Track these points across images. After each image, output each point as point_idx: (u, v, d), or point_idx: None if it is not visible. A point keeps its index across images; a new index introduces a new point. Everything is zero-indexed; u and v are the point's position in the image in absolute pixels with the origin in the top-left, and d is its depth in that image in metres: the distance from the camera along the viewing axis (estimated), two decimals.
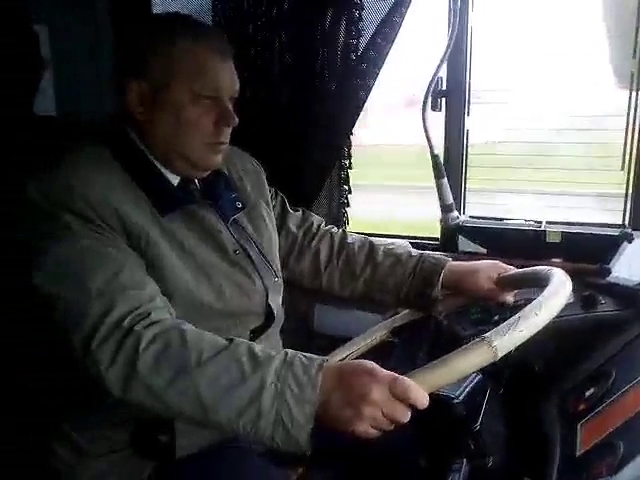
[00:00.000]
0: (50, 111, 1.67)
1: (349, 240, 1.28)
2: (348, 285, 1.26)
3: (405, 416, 0.73)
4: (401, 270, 1.21)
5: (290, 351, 0.78)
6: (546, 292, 0.84)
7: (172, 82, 0.95)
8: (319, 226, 1.31)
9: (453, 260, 1.22)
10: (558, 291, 0.85)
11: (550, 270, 0.96)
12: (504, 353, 0.75)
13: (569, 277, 0.91)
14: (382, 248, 1.25)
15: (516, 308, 1.14)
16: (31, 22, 1.50)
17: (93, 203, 0.89)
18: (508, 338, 0.75)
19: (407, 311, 1.25)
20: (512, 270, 1.15)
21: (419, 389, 0.72)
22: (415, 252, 1.24)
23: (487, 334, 0.75)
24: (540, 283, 0.96)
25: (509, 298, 1.16)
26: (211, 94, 0.97)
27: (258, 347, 0.79)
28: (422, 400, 0.73)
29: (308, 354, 0.78)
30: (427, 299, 1.18)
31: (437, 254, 1.24)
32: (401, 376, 0.73)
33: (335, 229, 1.32)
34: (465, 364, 0.73)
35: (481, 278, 1.15)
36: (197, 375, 0.76)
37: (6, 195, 0.94)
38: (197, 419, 0.78)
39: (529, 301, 0.89)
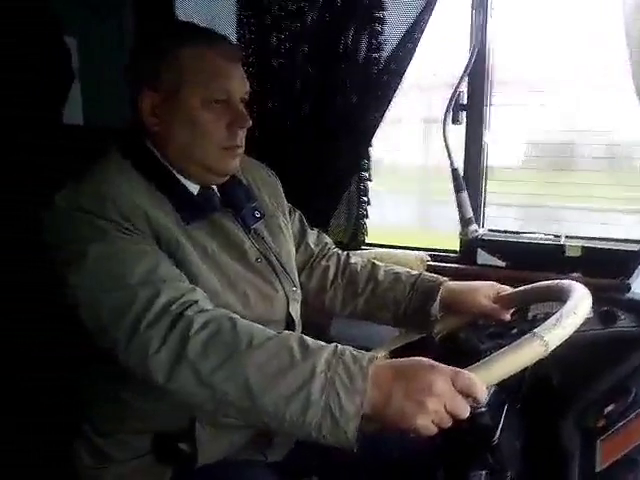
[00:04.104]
0: (77, 120, 1.71)
1: (352, 260, 1.30)
2: (349, 304, 1.27)
3: (466, 411, 0.72)
4: (400, 287, 1.22)
5: (340, 345, 0.77)
6: (575, 296, 0.87)
7: (182, 89, 0.96)
8: (330, 247, 1.34)
9: (471, 273, 1.23)
10: (584, 295, 0.87)
11: (564, 282, 0.98)
12: (554, 347, 0.76)
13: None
14: (383, 267, 1.27)
15: (535, 322, 1.16)
16: (63, 35, 1.55)
17: (123, 209, 0.90)
18: (557, 332, 0.77)
19: (405, 332, 1.27)
20: (509, 290, 1.16)
21: (480, 383, 0.72)
22: (414, 272, 1.25)
23: (537, 329, 0.77)
24: (554, 296, 0.99)
25: (507, 316, 1.16)
26: (222, 97, 0.97)
27: (309, 339, 0.78)
28: (483, 394, 0.72)
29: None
30: (425, 316, 1.18)
31: (450, 266, 1.25)
32: (463, 370, 0.73)
33: (340, 251, 1.34)
34: (519, 358, 0.74)
35: (480, 296, 1.16)
36: (246, 359, 0.75)
37: (32, 198, 0.96)
38: (243, 406, 0.75)
39: (548, 315, 0.90)
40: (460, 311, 1.19)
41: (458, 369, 0.73)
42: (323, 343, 0.77)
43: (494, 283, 1.19)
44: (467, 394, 0.72)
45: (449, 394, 0.71)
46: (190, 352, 0.77)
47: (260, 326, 0.82)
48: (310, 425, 0.72)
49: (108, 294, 0.84)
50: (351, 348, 0.76)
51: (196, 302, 0.83)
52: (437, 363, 0.74)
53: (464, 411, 0.72)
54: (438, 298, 1.18)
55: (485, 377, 0.73)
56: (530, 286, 1.10)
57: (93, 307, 0.85)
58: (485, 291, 1.16)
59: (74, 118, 1.69)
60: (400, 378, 0.73)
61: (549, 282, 1.05)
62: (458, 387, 0.72)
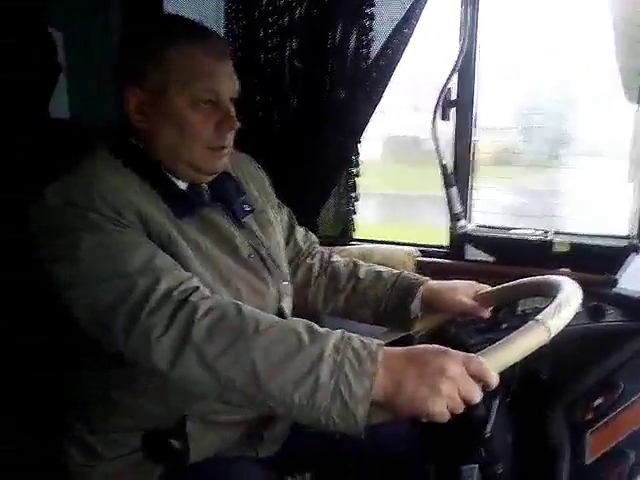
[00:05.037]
0: (63, 114, 1.69)
1: (335, 258, 1.31)
2: (331, 300, 1.27)
3: (478, 396, 0.72)
4: (381, 284, 1.23)
5: (347, 332, 0.76)
6: (566, 288, 0.88)
7: (169, 89, 0.94)
8: (316, 245, 1.35)
9: (460, 268, 1.23)
10: (575, 288, 0.89)
11: (549, 277, 0.99)
12: (556, 333, 0.78)
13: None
14: (365, 266, 1.28)
15: (525, 316, 1.17)
16: (48, 28, 1.53)
17: (115, 204, 0.88)
18: (557, 319, 0.79)
19: (386, 330, 1.28)
20: (487, 288, 1.18)
21: (491, 368, 0.72)
22: (396, 270, 1.26)
23: (539, 316, 0.79)
24: (538, 291, 1.02)
25: (486, 313, 1.17)
26: (210, 98, 0.96)
27: (315, 325, 0.78)
28: (494, 379, 0.72)
29: None
30: (406, 314, 1.19)
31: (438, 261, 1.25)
32: (474, 354, 0.73)
33: (324, 249, 1.35)
34: (525, 344, 0.76)
35: (459, 294, 1.16)
36: (252, 344, 0.74)
37: (19, 196, 0.95)
38: (249, 392, 0.74)
39: (537, 310, 0.90)
40: (440, 309, 1.19)
41: (470, 354, 0.73)
42: (329, 329, 0.77)
43: (473, 282, 1.20)
44: (479, 379, 0.72)
45: (462, 378, 0.71)
46: (195, 336, 0.75)
47: (264, 313, 0.81)
48: (319, 409, 0.71)
49: (105, 285, 0.82)
50: (358, 335, 0.76)
51: (198, 288, 0.83)
52: (448, 348, 0.74)
53: (476, 396, 0.72)
54: (418, 296, 1.18)
55: (495, 362, 0.73)
56: (511, 283, 1.11)
57: (89, 301, 0.83)
58: (464, 290, 1.17)
59: (59, 112, 1.67)
60: (412, 362, 0.73)
61: (532, 278, 1.06)
62: (471, 371, 0.72)
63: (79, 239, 0.84)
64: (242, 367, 0.74)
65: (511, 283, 1.11)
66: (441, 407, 0.71)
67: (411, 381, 0.71)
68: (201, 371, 0.75)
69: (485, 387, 0.73)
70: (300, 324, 0.77)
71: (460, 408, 0.72)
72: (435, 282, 1.21)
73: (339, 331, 0.76)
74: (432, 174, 1.73)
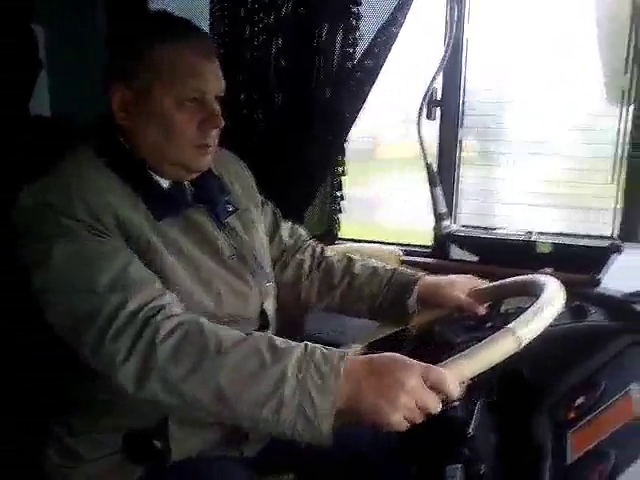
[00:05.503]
0: (44, 111, 1.67)
1: (328, 253, 1.31)
2: (325, 296, 1.27)
3: (437, 407, 0.74)
4: (377, 280, 1.23)
5: (310, 343, 0.78)
6: (549, 289, 0.88)
7: (155, 88, 0.94)
8: (305, 239, 1.34)
9: (444, 268, 1.23)
10: (557, 290, 0.89)
11: (539, 277, 0.99)
12: (527, 342, 0.78)
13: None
14: (360, 261, 1.28)
15: (508, 316, 1.17)
16: (30, 23, 1.51)
17: (93, 208, 0.88)
18: (530, 327, 0.79)
19: (381, 325, 1.28)
20: (484, 284, 1.18)
21: (452, 379, 0.73)
22: (390, 266, 1.26)
23: (510, 325, 0.78)
24: (528, 290, 1.00)
25: (482, 310, 1.18)
26: (196, 96, 0.96)
27: (278, 339, 0.79)
28: (455, 390, 0.73)
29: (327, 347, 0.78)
30: (402, 310, 1.19)
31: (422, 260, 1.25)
32: (434, 365, 0.74)
33: (315, 243, 1.34)
34: (493, 353, 0.76)
35: (456, 290, 1.17)
36: (216, 365, 0.75)
37: (4, 195, 0.93)
38: (215, 411, 0.76)
39: (520, 309, 0.91)
40: (437, 305, 1.20)
41: (430, 365, 0.74)
42: (293, 343, 0.78)
43: (471, 277, 1.20)
44: (438, 390, 0.73)
45: (420, 390, 0.73)
46: (159, 359, 0.77)
47: (228, 329, 0.82)
48: (284, 423, 0.73)
49: (77, 296, 0.83)
50: (320, 346, 0.77)
51: (164, 307, 0.83)
52: (409, 359, 0.75)
53: (434, 407, 0.74)
54: (415, 292, 1.18)
55: (457, 373, 0.74)
56: (504, 281, 1.11)
57: (62, 308, 0.84)
58: (461, 285, 1.18)
59: (40, 110, 1.65)
60: (372, 374, 0.74)
61: (523, 277, 1.07)
62: (429, 383, 0.73)
63: (53, 245, 0.84)
64: (207, 388, 0.75)
65: (505, 280, 1.11)
66: (398, 419, 0.73)
67: (370, 393, 0.73)
68: (166, 394, 0.77)
69: (446, 398, 0.74)
70: (262, 341, 0.78)
71: (419, 418, 0.74)
72: (432, 278, 1.22)
73: (301, 345, 0.77)
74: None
